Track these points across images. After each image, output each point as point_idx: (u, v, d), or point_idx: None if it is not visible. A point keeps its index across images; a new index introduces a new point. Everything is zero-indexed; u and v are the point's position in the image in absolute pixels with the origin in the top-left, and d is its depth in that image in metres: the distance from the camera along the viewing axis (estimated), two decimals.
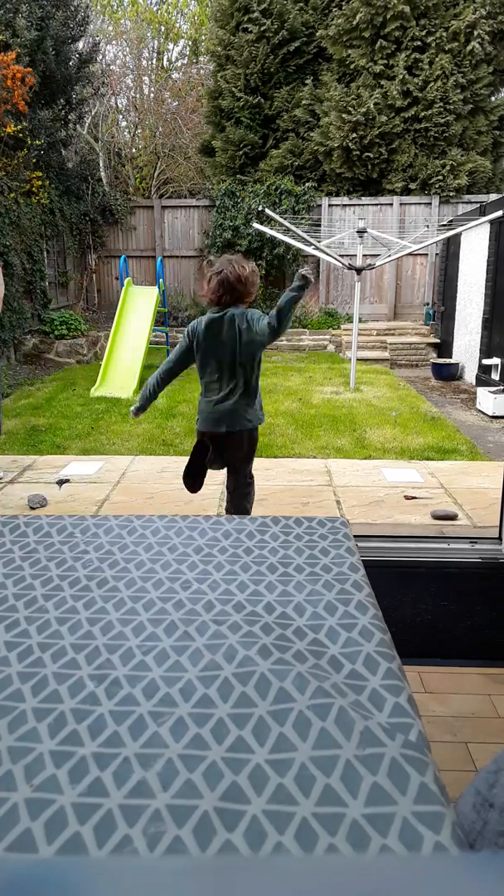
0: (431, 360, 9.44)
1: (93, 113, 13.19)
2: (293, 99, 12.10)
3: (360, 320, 9.52)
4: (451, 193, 11.33)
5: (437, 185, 11.32)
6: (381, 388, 7.75)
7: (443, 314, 10.18)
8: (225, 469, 2.77)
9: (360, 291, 7.81)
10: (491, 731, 1.79)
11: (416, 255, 11.09)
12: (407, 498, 3.58)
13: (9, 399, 7.04)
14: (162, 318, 10.00)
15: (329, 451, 5.05)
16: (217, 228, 11.37)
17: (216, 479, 3.90)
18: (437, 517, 3.29)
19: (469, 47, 10.89)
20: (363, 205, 11.49)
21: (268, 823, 0.72)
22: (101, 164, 12.72)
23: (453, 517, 3.29)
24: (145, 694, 0.94)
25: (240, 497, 2.76)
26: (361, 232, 7.92)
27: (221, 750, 0.82)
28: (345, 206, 11.59)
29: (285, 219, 9.30)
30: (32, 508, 3.40)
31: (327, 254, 8.34)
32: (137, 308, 8.35)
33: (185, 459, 2.68)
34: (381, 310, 11.66)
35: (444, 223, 10.50)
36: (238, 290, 2.46)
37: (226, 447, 2.60)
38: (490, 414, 6.66)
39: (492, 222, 7.54)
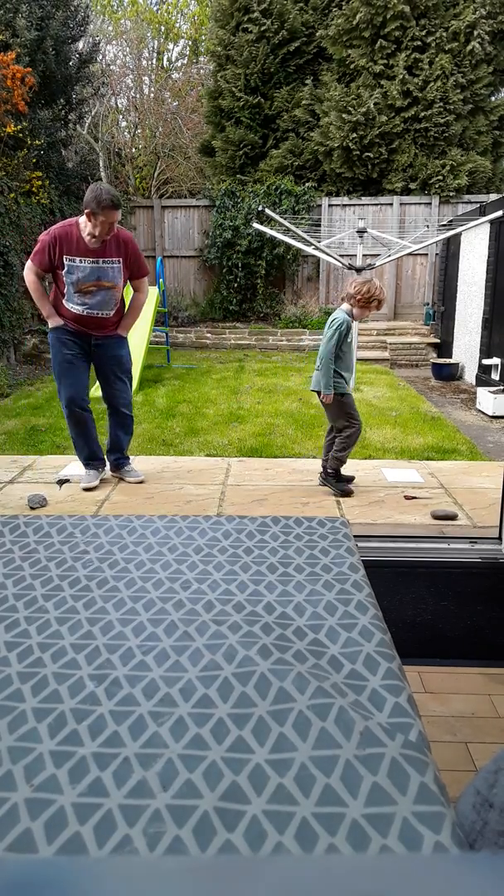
0: (431, 360, 9.44)
1: (93, 113, 13.19)
2: (293, 99, 12.10)
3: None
4: (451, 193, 11.34)
5: (437, 185, 11.32)
6: (381, 388, 7.75)
7: (443, 314, 10.18)
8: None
9: None
10: (491, 731, 1.79)
11: (416, 255, 11.10)
12: (407, 498, 3.58)
13: (9, 399, 7.04)
14: (162, 318, 10.00)
15: None
16: (217, 228, 11.37)
17: (216, 479, 3.91)
18: (437, 517, 3.29)
19: (469, 47, 10.89)
20: (363, 205, 11.49)
21: (268, 823, 0.72)
22: (101, 164, 12.72)
23: (453, 517, 3.29)
24: (145, 694, 0.94)
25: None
26: (361, 232, 7.92)
27: (221, 750, 0.82)
28: (345, 206, 11.59)
29: (285, 219, 9.30)
30: (32, 508, 3.40)
31: (327, 254, 8.34)
32: None
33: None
34: (380, 310, 11.65)
35: (444, 223, 10.50)
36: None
37: None
38: (490, 414, 6.66)
39: (492, 222, 7.54)
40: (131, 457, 3.98)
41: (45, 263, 3.36)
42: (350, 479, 3.67)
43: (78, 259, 3.32)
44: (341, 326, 3.48)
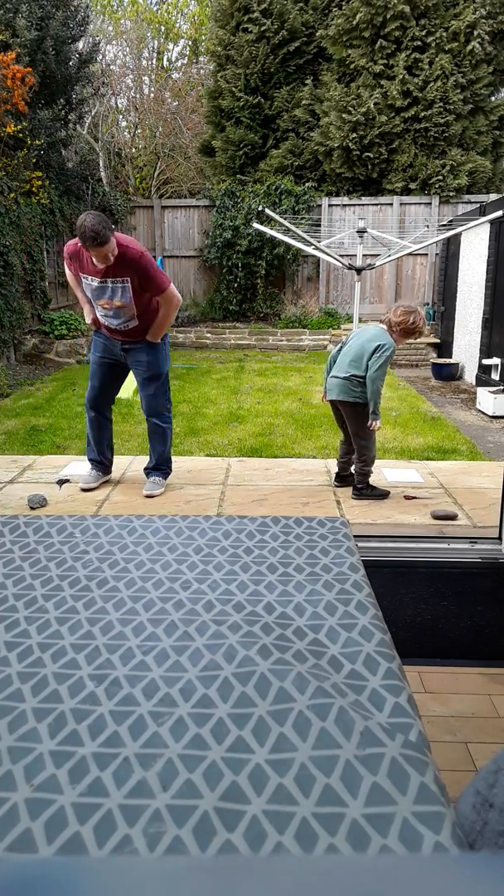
0: (431, 360, 9.44)
1: (93, 113, 13.19)
2: (293, 99, 12.10)
3: (361, 320, 9.50)
4: (451, 193, 11.33)
5: (437, 185, 11.32)
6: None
7: (443, 314, 10.18)
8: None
9: (360, 291, 7.80)
10: (491, 731, 1.79)
11: (416, 255, 11.09)
12: (407, 498, 3.58)
13: (9, 399, 7.04)
14: None
15: (329, 451, 5.05)
16: (217, 228, 11.37)
17: (216, 479, 3.90)
18: (437, 517, 3.29)
19: (469, 47, 10.88)
20: (363, 205, 11.49)
21: (268, 823, 0.72)
22: (101, 164, 12.72)
23: (453, 517, 3.29)
24: (145, 694, 0.94)
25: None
26: (361, 232, 7.92)
27: (221, 750, 0.82)
28: (345, 206, 11.59)
29: (285, 219, 9.30)
30: (32, 508, 3.40)
31: (327, 254, 8.33)
32: None
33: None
34: (381, 310, 11.65)
35: (444, 223, 10.50)
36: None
37: None
38: (490, 414, 6.66)
39: (492, 222, 7.54)
40: (132, 457, 3.96)
41: (72, 272, 3.43)
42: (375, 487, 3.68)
43: (89, 277, 3.30)
44: (391, 355, 3.43)
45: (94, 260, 3.18)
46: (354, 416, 3.53)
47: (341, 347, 3.60)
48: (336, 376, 3.51)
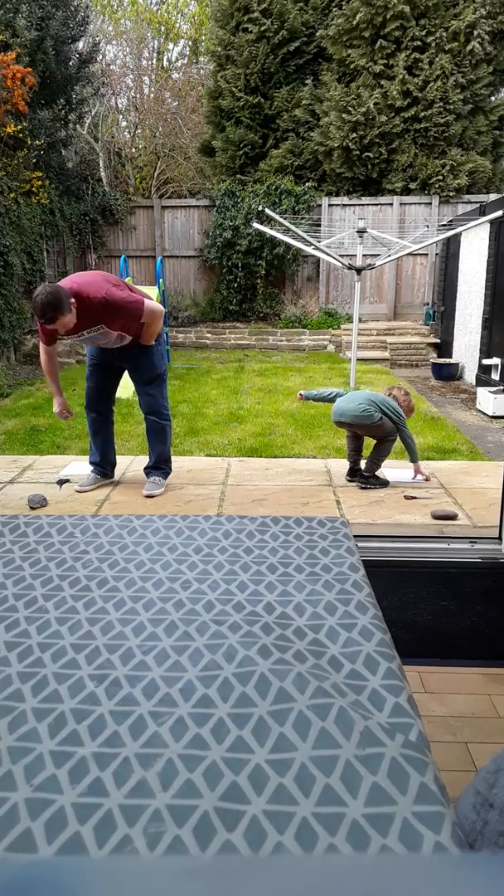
0: (431, 360, 9.44)
1: (93, 113, 13.19)
2: (293, 99, 12.10)
3: (360, 320, 9.51)
4: (451, 193, 11.34)
5: (436, 185, 11.33)
6: (382, 388, 7.74)
7: (443, 314, 10.18)
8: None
9: (360, 291, 7.81)
10: (491, 731, 1.79)
11: (416, 255, 11.10)
12: (407, 498, 3.58)
13: (9, 399, 7.04)
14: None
15: (329, 451, 5.05)
16: (217, 228, 11.37)
17: (216, 479, 3.90)
18: (437, 517, 3.29)
19: (469, 47, 10.89)
20: (363, 205, 11.49)
21: (268, 823, 0.72)
22: (101, 164, 12.72)
23: (453, 517, 3.29)
24: (145, 694, 0.94)
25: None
26: (361, 232, 7.92)
27: (221, 750, 0.82)
28: (345, 206, 11.59)
29: (285, 219, 9.30)
30: (32, 508, 3.40)
31: (327, 254, 8.34)
32: None
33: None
34: (381, 310, 11.66)
35: (444, 223, 10.50)
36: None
37: None
38: (490, 414, 6.66)
39: (492, 222, 7.54)
40: (132, 457, 3.96)
41: (48, 336, 3.33)
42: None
43: (66, 338, 3.32)
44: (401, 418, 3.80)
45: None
46: (374, 429, 3.77)
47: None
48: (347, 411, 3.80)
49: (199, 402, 6.85)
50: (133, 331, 3.37)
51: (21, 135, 8.80)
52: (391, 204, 11.40)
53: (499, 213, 6.98)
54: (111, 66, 15.04)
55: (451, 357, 9.40)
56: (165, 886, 0.32)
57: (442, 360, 9.19)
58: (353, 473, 3.91)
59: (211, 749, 0.83)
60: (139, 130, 15.10)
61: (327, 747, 0.82)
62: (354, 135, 11.26)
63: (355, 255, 8.27)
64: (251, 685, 0.95)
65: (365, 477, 3.81)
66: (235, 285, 11.56)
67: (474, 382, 8.18)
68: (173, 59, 17.33)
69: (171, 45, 17.02)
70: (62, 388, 3.68)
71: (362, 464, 3.88)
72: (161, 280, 9.03)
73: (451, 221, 9.99)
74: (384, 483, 3.83)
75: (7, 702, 0.93)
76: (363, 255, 8.10)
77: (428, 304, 11.25)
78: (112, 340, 3.36)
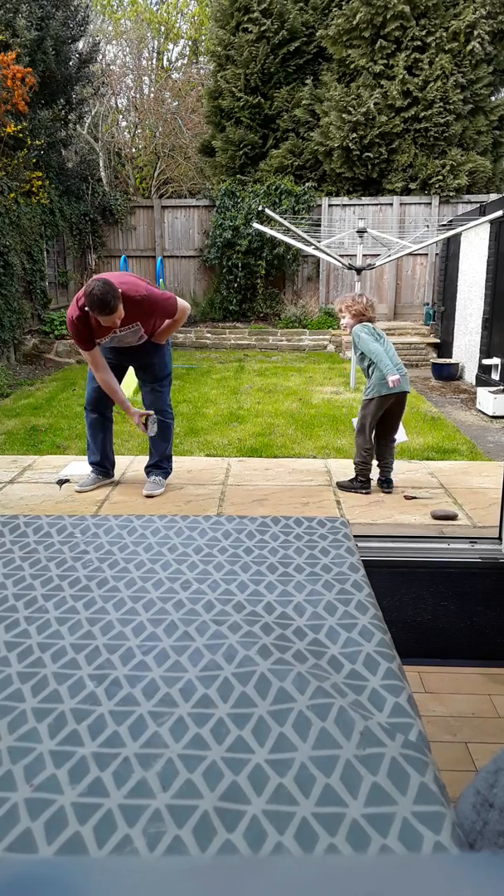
0: (431, 360, 9.43)
1: (93, 113, 13.20)
2: (293, 99, 12.10)
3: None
4: (451, 193, 11.34)
5: (437, 185, 11.32)
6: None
7: (443, 314, 10.18)
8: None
9: (360, 291, 7.81)
10: (491, 731, 1.79)
11: (416, 255, 11.10)
12: (407, 498, 3.58)
13: (9, 399, 7.04)
14: None
15: (329, 451, 5.05)
16: (217, 228, 11.37)
17: (216, 479, 3.90)
18: (437, 517, 3.29)
19: (469, 47, 10.89)
20: (363, 205, 11.49)
21: (268, 823, 0.72)
22: (101, 164, 12.72)
23: (453, 517, 3.29)
24: (145, 694, 0.94)
25: None
26: (361, 232, 7.93)
27: (221, 750, 0.82)
28: (345, 206, 11.59)
29: (285, 219, 9.30)
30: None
31: (327, 254, 8.34)
32: None
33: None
34: (381, 310, 11.65)
35: (444, 223, 10.50)
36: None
37: None
38: (490, 414, 6.65)
39: (492, 222, 7.53)
40: (132, 457, 3.96)
41: (88, 341, 3.27)
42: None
43: (101, 339, 3.29)
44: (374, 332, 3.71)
45: (102, 324, 3.14)
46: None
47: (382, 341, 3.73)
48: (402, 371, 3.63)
49: (199, 402, 6.85)
50: (154, 328, 3.40)
51: (21, 135, 8.80)
52: (391, 204, 11.40)
53: (499, 213, 6.98)
54: (111, 66, 15.04)
55: (451, 357, 9.40)
56: (165, 886, 0.32)
57: (442, 360, 9.19)
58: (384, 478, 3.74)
59: (211, 749, 0.83)
60: (139, 130, 15.10)
61: (327, 747, 0.82)
62: (354, 135, 11.26)
63: (355, 255, 8.28)
64: (251, 685, 0.95)
65: (361, 481, 3.68)
66: (235, 285, 11.56)
67: (474, 382, 8.18)
68: (173, 59, 17.34)
69: (170, 45, 17.03)
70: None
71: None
72: (161, 280, 9.04)
73: (451, 221, 9.99)
74: (365, 484, 3.68)
75: (7, 702, 0.93)
76: (363, 255, 8.11)
77: (428, 304, 11.25)
78: (137, 339, 3.37)
